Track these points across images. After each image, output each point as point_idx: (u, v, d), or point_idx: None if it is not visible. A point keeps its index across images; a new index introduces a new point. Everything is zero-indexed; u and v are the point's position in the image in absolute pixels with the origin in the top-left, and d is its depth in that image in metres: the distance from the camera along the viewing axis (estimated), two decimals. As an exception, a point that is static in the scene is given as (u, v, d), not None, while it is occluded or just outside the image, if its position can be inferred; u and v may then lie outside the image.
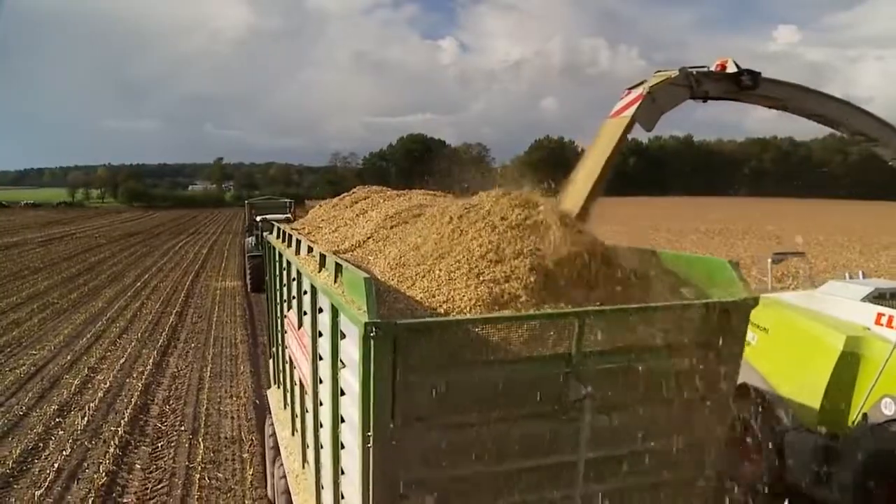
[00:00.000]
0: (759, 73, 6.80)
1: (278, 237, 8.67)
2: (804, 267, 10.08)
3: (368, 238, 5.80)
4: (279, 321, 8.87)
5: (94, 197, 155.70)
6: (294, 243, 6.91)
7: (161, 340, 19.28)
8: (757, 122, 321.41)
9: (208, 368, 16.50)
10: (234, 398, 14.18)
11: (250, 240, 29.51)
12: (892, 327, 7.54)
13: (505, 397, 3.74)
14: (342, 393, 4.50)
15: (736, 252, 36.58)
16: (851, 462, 7.11)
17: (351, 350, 4.04)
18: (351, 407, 4.12)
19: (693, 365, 4.03)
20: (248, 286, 27.56)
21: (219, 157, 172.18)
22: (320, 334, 5.41)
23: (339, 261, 4.58)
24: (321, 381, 5.52)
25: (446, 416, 3.75)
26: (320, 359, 5.49)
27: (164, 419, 13.04)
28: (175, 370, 16.44)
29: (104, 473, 10.31)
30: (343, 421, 4.53)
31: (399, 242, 5.37)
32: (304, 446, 6.52)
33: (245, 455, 11.19)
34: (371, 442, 3.62)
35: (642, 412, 4.01)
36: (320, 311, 5.36)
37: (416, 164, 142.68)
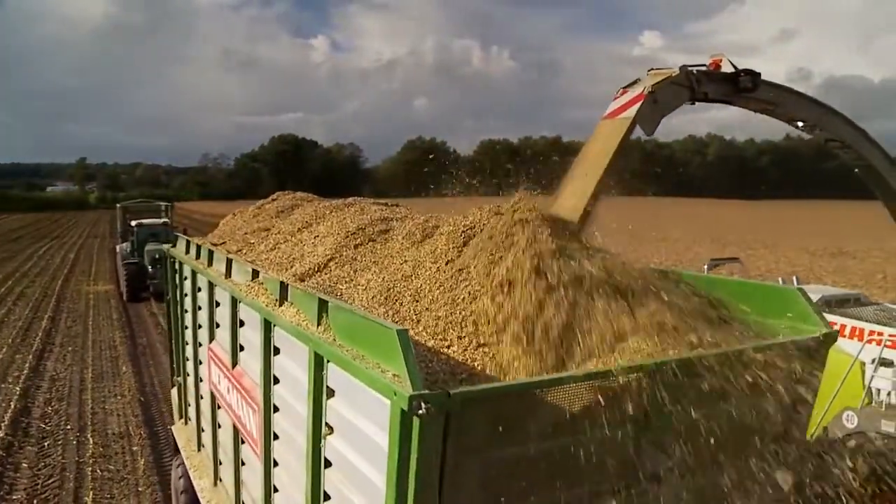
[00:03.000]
0: (759, 75, 6.24)
1: (189, 252, 7.33)
2: (739, 273, 9.85)
3: (329, 260, 4.69)
4: (189, 349, 7.53)
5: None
6: (222, 263, 5.69)
7: (36, 345, 18.16)
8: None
9: (89, 370, 15.89)
10: (119, 397, 13.92)
11: (124, 246, 26.89)
12: (850, 338, 7.25)
13: (568, 474, 2.83)
14: (328, 464, 3.42)
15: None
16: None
17: (359, 423, 2.97)
18: (359, 495, 3.03)
19: (774, 410, 3.29)
20: (125, 295, 25.23)
21: (82, 157, 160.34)
22: (276, 381, 4.28)
23: (323, 297, 3.48)
24: (276, 437, 4.40)
25: None
26: (275, 410, 4.36)
27: (47, 420, 12.58)
28: (54, 373, 15.70)
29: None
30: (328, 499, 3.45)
31: (375, 268, 4.33)
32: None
33: (135, 448, 11.21)
34: None
35: (726, 470, 3.21)
36: (276, 352, 4.24)
37: (288, 164, 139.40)
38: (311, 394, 3.43)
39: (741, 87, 6.14)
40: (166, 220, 28.57)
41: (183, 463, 7.65)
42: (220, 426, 6.26)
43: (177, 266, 8.01)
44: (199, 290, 6.76)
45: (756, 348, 3.24)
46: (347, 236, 4.90)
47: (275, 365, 4.27)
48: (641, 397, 2.90)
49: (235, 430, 5.41)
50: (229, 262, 5.47)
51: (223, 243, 6.77)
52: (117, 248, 29.57)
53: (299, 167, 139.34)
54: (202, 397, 7.08)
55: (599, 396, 2.78)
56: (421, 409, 2.41)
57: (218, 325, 6.04)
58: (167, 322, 8.86)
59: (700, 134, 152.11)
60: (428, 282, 3.78)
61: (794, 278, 9.54)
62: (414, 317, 3.60)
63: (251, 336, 4.78)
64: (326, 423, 3.40)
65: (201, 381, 7.04)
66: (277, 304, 4.18)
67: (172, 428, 8.56)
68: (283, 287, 4.06)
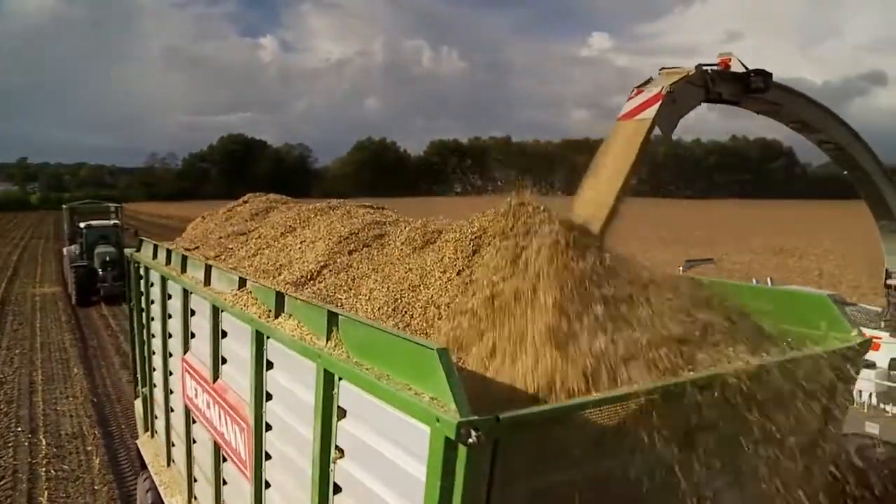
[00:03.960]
0: (771, 75, 6.05)
1: (157, 257, 6.92)
2: (713, 274, 9.80)
3: (323, 267, 4.40)
4: (158, 359, 7.12)
5: None
6: (200, 270, 5.34)
7: (-20, 348, 17.55)
8: (575, 122, 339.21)
9: (39, 373, 15.44)
10: (71, 398, 13.60)
11: (73, 248, 25.77)
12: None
13: (619, 498, 2.63)
14: (337, 489, 3.15)
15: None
16: None
17: (381, 449, 2.70)
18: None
19: (812, 421, 3.14)
20: (74, 299, 24.24)
21: (22, 157, 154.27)
22: (269, 397, 3.98)
23: (333, 309, 3.19)
24: (268, 457, 4.10)
25: None
26: (267, 429, 4.06)
27: (-4, 423, 12.23)
28: (1, 376, 15.19)
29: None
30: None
31: (376, 276, 4.05)
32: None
33: (90, 448, 11.02)
34: None
35: (772, 485, 3.03)
36: (269, 366, 3.94)
37: (237, 165, 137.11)
38: (320, 414, 3.15)
39: (753, 87, 5.97)
40: (117, 221, 27.51)
41: (151, 478, 7.24)
42: (195, 441, 5.90)
43: (142, 271, 7.58)
44: (170, 297, 6.37)
45: (803, 358, 3.08)
46: (340, 241, 4.60)
47: (268, 381, 3.98)
48: (696, 413, 2.71)
49: (216, 447, 5.08)
50: (208, 269, 5.12)
51: (196, 248, 6.38)
52: (64, 250, 28.32)
53: (249, 167, 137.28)
54: (173, 410, 6.69)
55: (650, 414, 2.58)
56: (471, 437, 2.16)
57: (193, 336, 5.68)
58: (130, 330, 8.38)
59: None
60: (438, 293, 3.54)
61: (769, 279, 9.56)
62: (427, 330, 3.35)
63: (238, 349, 4.46)
64: (337, 447, 3.13)
65: (172, 393, 6.65)
66: (272, 315, 3.87)
67: (137, 442, 8.10)
68: (280, 297, 3.76)
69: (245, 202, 7.64)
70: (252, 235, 5.81)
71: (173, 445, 6.78)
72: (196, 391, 5.49)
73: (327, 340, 3.15)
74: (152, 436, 7.74)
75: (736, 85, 5.93)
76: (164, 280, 6.40)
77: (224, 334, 4.80)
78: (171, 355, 6.53)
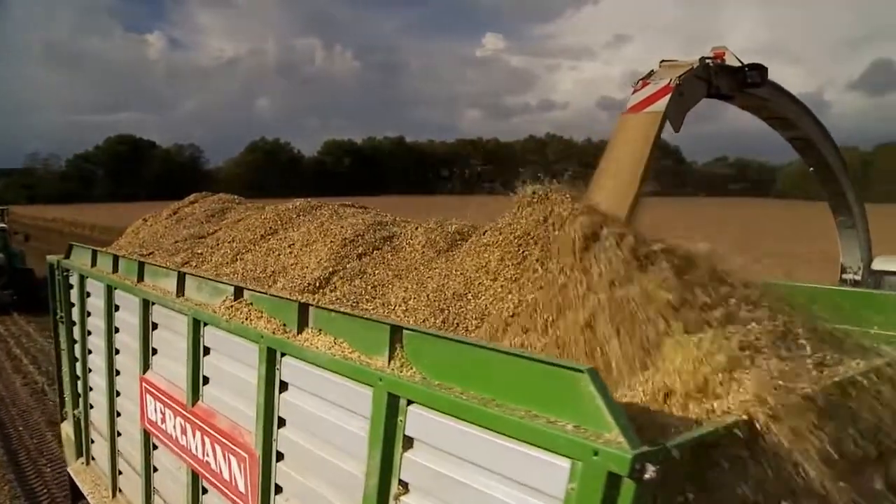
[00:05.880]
0: (766, 70, 5.91)
1: (97, 264, 6.14)
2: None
3: (332, 274, 3.89)
4: (97, 378, 6.32)
5: None
6: (167, 278, 4.69)
7: None
8: (469, 122, 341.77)
9: None
10: None
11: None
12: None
13: None
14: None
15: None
16: None
17: (474, 483, 2.29)
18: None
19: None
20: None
21: None
22: (282, 422, 3.45)
23: (395, 323, 2.72)
24: (279, 490, 3.56)
25: None
26: (279, 458, 3.53)
27: None
28: None
29: None
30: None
31: (403, 282, 3.59)
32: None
33: None
34: None
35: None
36: (283, 388, 3.41)
37: (125, 166, 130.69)
38: (380, 445, 2.69)
39: (750, 81, 5.85)
40: (3, 225, 25.22)
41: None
42: (156, 470, 5.22)
43: (73, 280, 6.74)
44: (118, 309, 5.65)
45: None
46: (345, 244, 4.09)
47: (281, 404, 3.45)
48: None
49: (195, 477, 4.46)
50: (182, 277, 4.49)
51: (150, 254, 5.67)
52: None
53: (138, 169, 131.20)
54: (120, 434, 5.94)
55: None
56: (647, 472, 1.80)
57: (155, 352, 5.02)
58: (56, 345, 7.46)
59: (539, 134, 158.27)
60: (492, 301, 3.14)
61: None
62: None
63: (231, 368, 3.90)
64: (400, 481, 2.68)
65: (119, 415, 5.90)
66: (287, 330, 3.35)
67: (69, 470, 7.19)
68: (304, 309, 3.24)
69: (192, 202, 6.93)
70: (221, 238, 5.18)
71: (120, 473, 6.03)
72: (163, 414, 4.84)
73: (390, 359, 2.68)
74: (88, 463, 6.89)
75: (735, 79, 5.83)
76: (110, 290, 5.66)
77: (207, 351, 4.21)
78: (118, 373, 5.79)
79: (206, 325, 4.14)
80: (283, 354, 3.38)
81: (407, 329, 2.67)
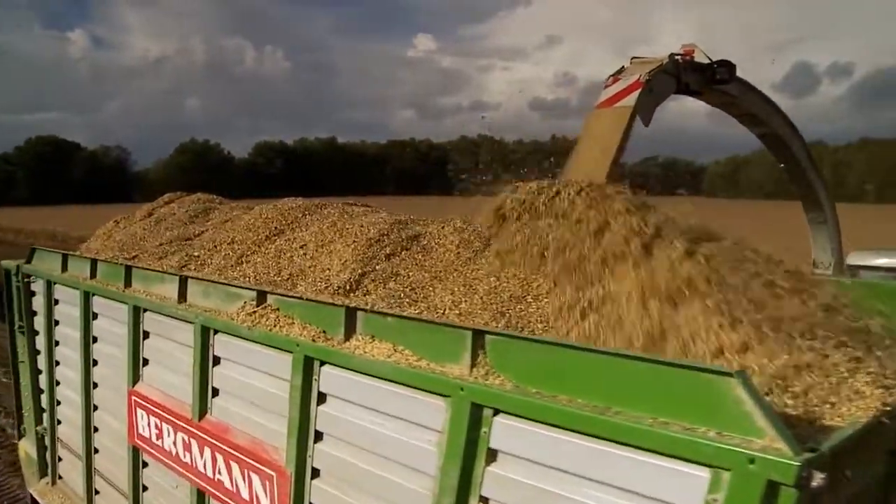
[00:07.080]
0: (734, 67, 5.92)
1: (68, 269, 5.70)
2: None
3: (362, 276, 3.65)
4: (67, 390, 5.87)
5: None
6: (166, 284, 4.35)
7: None
8: (400, 122, 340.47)
9: None
10: None
11: None
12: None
13: None
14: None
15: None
16: None
17: (577, 496, 2.13)
18: None
19: None
20: None
21: None
22: (319, 436, 3.21)
23: (479, 328, 2.51)
24: (313, 509, 3.32)
25: None
26: (314, 475, 3.28)
27: None
28: None
29: None
30: None
31: (445, 284, 3.38)
32: None
33: None
34: None
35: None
36: (322, 400, 3.17)
37: (48, 168, 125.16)
38: (458, 459, 2.49)
39: (718, 78, 5.89)
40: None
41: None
42: (145, 489, 4.86)
43: (36, 287, 6.25)
44: (96, 317, 5.25)
45: None
46: (370, 245, 3.85)
47: (318, 417, 3.21)
48: None
49: (200, 495, 4.15)
50: (184, 281, 4.17)
51: (134, 257, 5.28)
52: None
53: (61, 171, 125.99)
54: (98, 451, 5.52)
55: None
56: (814, 480, 1.68)
57: (147, 363, 4.67)
58: (13, 357, 6.90)
59: (472, 135, 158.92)
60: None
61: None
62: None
63: (247, 379, 3.62)
64: (481, 497, 2.50)
65: (97, 431, 5.49)
66: (328, 336, 3.11)
67: (33, 492, 6.64)
68: (351, 314, 3.00)
69: (168, 202, 6.53)
70: (218, 240, 4.84)
71: (97, 493, 5.61)
72: (158, 430, 4.49)
73: (472, 367, 2.49)
74: (54, 482, 6.40)
75: (703, 75, 5.87)
76: (87, 296, 5.25)
77: (217, 361, 3.91)
78: (96, 386, 5.39)
79: (216, 333, 3.85)
80: (321, 364, 3.14)
81: (491, 333, 2.48)
